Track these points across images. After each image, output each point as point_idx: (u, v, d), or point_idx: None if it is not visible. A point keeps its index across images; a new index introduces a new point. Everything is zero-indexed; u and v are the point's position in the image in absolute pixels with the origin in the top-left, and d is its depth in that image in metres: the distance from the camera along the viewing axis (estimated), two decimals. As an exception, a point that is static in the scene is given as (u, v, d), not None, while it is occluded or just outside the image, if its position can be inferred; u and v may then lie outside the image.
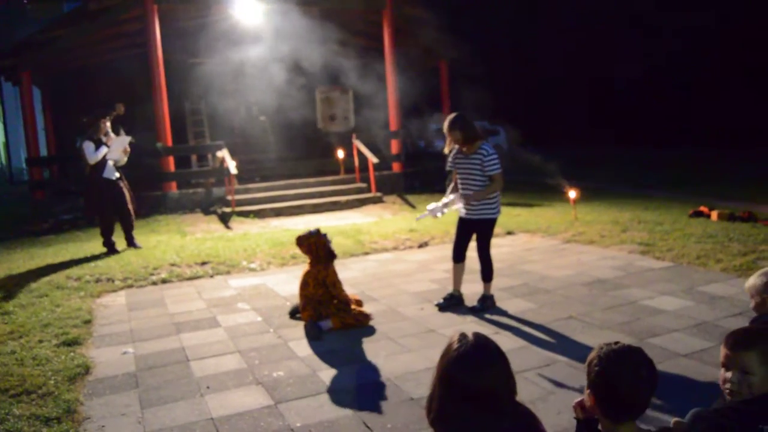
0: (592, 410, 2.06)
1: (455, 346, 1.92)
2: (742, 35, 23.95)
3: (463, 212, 5.72)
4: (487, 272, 5.76)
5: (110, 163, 8.56)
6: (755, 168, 17.37)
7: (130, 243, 8.90)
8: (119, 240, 8.94)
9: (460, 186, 5.67)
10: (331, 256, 5.53)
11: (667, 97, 27.04)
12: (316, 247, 5.48)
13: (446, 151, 5.70)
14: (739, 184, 14.08)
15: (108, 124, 8.67)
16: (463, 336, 1.95)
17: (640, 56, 26.81)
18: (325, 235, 5.55)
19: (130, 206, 8.86)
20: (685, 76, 26.21)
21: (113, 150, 8.53)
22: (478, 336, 1.96)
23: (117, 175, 8.67)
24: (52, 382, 4.26)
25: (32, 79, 14.48)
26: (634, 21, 27.21)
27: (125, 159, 8.77)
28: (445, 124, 5.53)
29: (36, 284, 7.04)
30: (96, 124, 8.57)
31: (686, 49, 25.88)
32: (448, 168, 5.87)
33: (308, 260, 5.59)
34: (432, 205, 5.80)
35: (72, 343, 5.10)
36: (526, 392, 3.89)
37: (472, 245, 5.78)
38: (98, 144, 8.52)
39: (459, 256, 5.86)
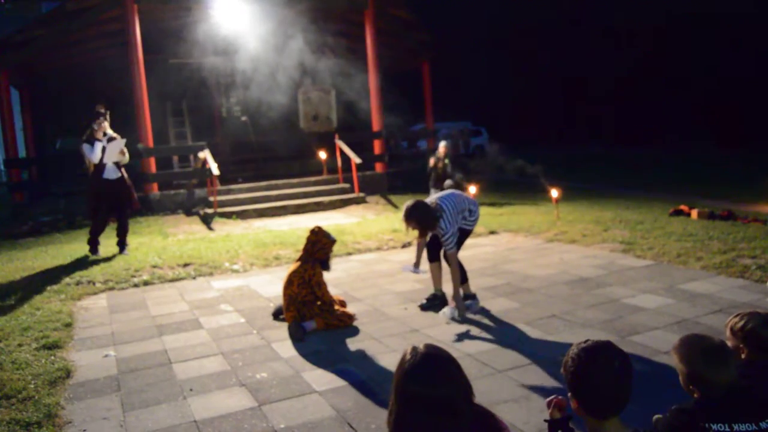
0: (577, 412, 2.09)
1: (407, 359, 1.96)
2: (723, 35, 24.26)
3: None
4: (460, 275, 5.72)
5: (110, 164, 8.52)
6: (735, 167, 17.61)
7: (122, 250, 8.76)
8: (105, 243, 8.86)
9: None
10: (325, 264, 5.49)
11: (649, 97, 27.31)
12: (320, 248, 5.44)
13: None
14: (719, 183, 14.26)
15: (105, 124, 8.59)
16: (414, 349, 1.99)
17: (621, 56, 27.08)
18: (334, 242, 5.54)
19: (127, 208, 8.84)
20: (667, 75, 26.50)
21: (109, 153, 8.49)
22: (429, 347, 1.99)
23: (118, 175, 8.63)
24: (32, 386, 4.21)
25: (10, 79, 14.32)
26: (614, 20, 27.47)
27: (125, 159, 8.74)
28: (402, 214, 5.44)
29: (15, 287, 6.94)
30: (90, 127, 8.54)
31: (665, 48, 26.17)
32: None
33: (296, 258, 5.57)
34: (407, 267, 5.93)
35: (52, 346, 5.05)
36: (509, 391, 3.91)
37: None
38: (93, 144, 8.45)
39: (433, 255, 5.88)
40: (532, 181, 13.49)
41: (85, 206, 9.21)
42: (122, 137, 8.73)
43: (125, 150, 8.66)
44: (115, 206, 8.73)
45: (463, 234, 5.71)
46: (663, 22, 25.85)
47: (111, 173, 8.57)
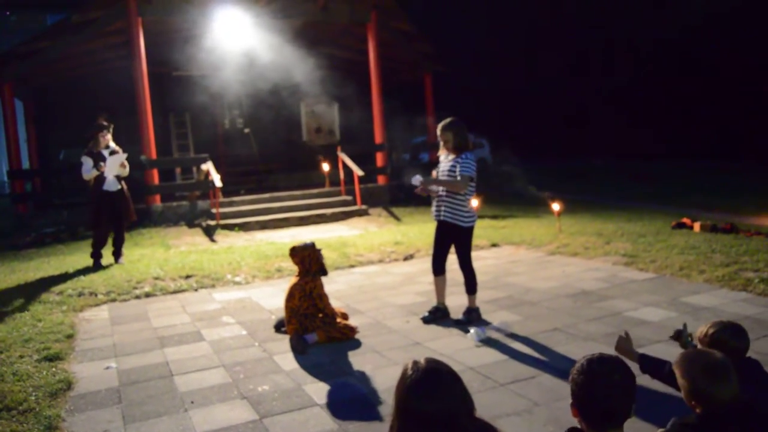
0: (579, 423, 2.09)
1: (408, 374, 1.95)
2: (723, 46, 24.30)
3: (434, 210, 5.73)
4: (470, 285, 5.76)
5: (110, 176, 8.58)
6: (737, 180, 17.60)
7: (117, 259, 8.85)
8: (105, 254, 8.88)
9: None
10: (322, 271, 5.52)
11: (650, 109, 27.34)
12: (309, 260, 5.47)
13: (439, 154, 5.76)
14: (721, 195, 14.25)
15: (108, 137, 8.69)
16: (415, 363, 1.98)
17: (622, 67, 27.15)
18: (319, 250, 5.55)
19: (125, 220, 8.89)
20: (667, 87, 26.54)
21: (110, 167, 8.56)
22: (430, 361, 1.99)
23: (118, 187, 8.70)
24: (33, 398, 4.20)
25: (14, 91, 14.38)
26: (616, 31, 27.57)
27: (125, 172, 8.80)
28: (440, 125, 5.58)
29: (17, 298, 6.95)
30: (95, 137, 8.59)
31: (667, 59, 26.24)
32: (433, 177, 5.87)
33: (296, 272, 5.58)
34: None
35: (54, 358, 5.04)
36: (512, 405, 3.89)
37: (454, 258, 5.78)
38: (96, 158, 8.50)
39: (438, 268, 5.86)
40: (534, 193, 13.50)
41: (87, 218, 9.29)
42: (123, 150, 8.80)
43: (126, 163, 8.73)
44: (114, 218, 8.77)
45: (468, 232, 5.69)
46: (663, 32, 25.92)
47: (111, 185, 8.64)
